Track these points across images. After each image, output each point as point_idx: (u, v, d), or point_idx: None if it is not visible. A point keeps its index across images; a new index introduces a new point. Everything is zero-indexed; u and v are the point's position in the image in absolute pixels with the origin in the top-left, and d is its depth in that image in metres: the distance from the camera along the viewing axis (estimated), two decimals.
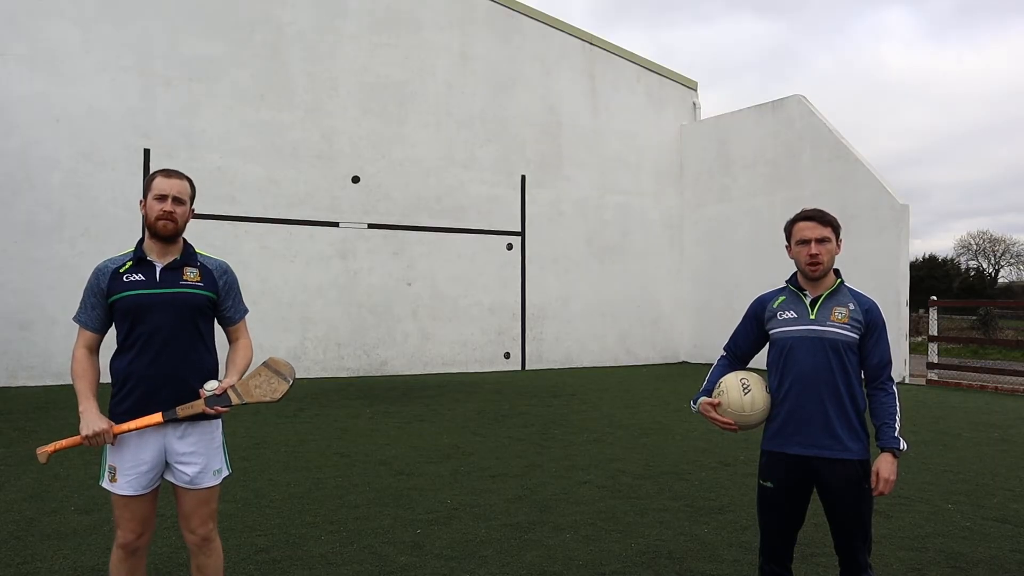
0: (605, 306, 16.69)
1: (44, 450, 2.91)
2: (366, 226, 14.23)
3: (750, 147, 16.42)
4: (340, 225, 14.02)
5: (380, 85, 14.43)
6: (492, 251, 15.43)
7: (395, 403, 10.46)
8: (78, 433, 2.89)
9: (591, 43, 16.79)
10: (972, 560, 4.42)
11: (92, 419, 2.87)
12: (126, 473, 2.96)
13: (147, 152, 12.50)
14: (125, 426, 2.91)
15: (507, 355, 15.51)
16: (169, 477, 3.05)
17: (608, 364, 16.58)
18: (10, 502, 5.31)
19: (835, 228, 3.17)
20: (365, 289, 14.21)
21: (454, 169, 15.07)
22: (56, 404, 9.70)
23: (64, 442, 2.94)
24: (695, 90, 18.26)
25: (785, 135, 15.77)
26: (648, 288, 17.32)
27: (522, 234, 15.77)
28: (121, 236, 11.98)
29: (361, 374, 14.02)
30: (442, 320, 14.87)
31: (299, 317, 13.60)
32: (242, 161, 13.21)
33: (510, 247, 15.64)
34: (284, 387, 3.07)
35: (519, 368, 15.61)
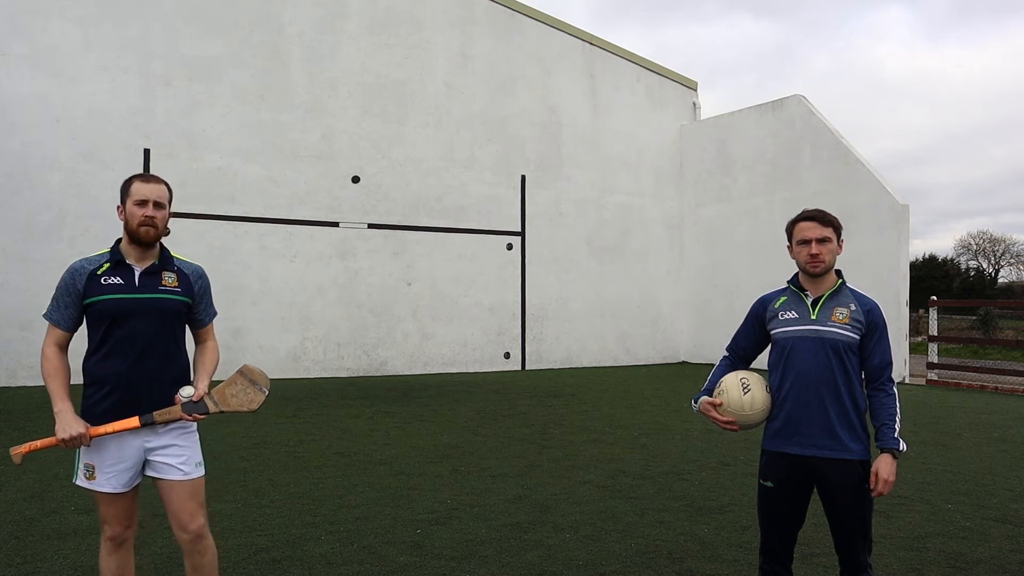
0: (605, 306, 16.69)
1: (18, 451, 2.89)
2: (366, 226, 14.23)
3: (750, 147, 16.42)
4: (340, 225, 14.02)
5: (380, 85, 14.43)
6: (492, 251, 15.44)
7: (395, 403, 10.46)
8: (54, 434, 2.87)
9: (591, 43, 16.79)
10: (972, 560, 4.42)
11: (69, 422, 2.86)
12: (106, 471, 2.97)
13: (147, 152, 12.50)
14: (102, 429, 2.89)
15: (507, 355, 15.51)
16: (152, 473, 3.04)
17: (608, 364, 16.58)
18: (10, 502, 5.31)
19: (836, 228, 3.18)
20: (365, 289, 14.21)
21: (454, 169, 15.08)
22: None
23: (39, 443, 2.91)
24: (695, 90, 18.26)
25: (785, 135, 15.76)
26: (648, 288, 17.33)
27: (522, 234, 15.77)
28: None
29: (361, 374, 14.02)
30: (442, 320, 14.87)
31: (299, 317, 13.59)
32: (242, 161, 13.20)
33: (510, 247, 15.64)
34: (260, 398, 3.11)
35: (519, 368, 15.61)
